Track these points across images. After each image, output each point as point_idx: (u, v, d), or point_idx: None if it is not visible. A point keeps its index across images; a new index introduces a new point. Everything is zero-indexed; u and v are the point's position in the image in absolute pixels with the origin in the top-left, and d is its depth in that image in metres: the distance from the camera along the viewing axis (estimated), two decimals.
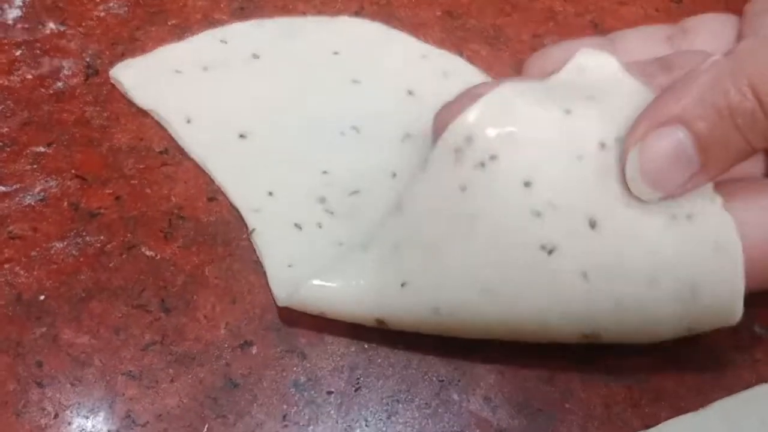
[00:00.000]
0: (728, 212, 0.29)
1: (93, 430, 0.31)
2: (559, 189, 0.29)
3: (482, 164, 0.30)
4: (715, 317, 0.30)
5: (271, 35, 0.40)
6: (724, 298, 0.29)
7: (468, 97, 0.31)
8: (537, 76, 0.33)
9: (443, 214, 0.30)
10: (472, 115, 0.30)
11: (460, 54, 0.41)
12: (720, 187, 0.30)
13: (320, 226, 0.34)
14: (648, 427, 0.31)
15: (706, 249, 0.29)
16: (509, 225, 0.30)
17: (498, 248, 0.30)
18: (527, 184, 0.29)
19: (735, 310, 0.30)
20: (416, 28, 0.41)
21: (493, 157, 0.30)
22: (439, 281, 0.31)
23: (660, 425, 0.31)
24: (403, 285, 0.31)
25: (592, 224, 0.29)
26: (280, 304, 0.33)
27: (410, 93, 0.38)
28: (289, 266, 0.33)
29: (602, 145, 0.30)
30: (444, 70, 0.39)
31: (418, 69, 0.39)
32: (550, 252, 0.29)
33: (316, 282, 0.32)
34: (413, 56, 0.39)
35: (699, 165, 0.29)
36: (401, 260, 0.31)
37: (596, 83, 0.31)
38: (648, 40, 0.35)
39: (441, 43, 0.41)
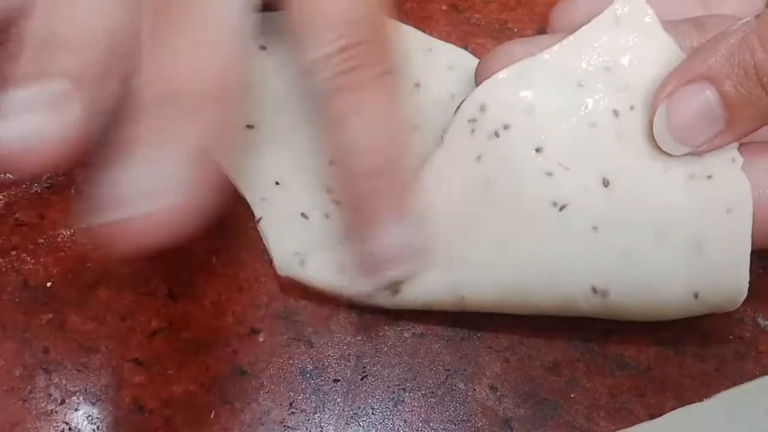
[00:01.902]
0: (746, 174, 0.30)
1: (99, 416, 0.31)
2: (571, 153, 0.31)
3: (496, 134, 0.32)
4: (722, 281, 0.30)
5: (279, 27, 0.40)
6: (731, 260, 0.30)
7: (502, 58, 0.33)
8: (566, 27, 0.34)
9: (460, 182, 0.32)
10: (486, 87, 0.32)
11: (466, 47, 0.41)
12: (742, 147, 0.31)
13: (327, 216, 0.34)
14: (653, 417, 0.31)
15: (719, 209, 0.30)
16: (522, 185, 0.31)
17: (511, 206, 0.31)
18: (538, 150, 0.31)
19: (741, 276, 0.30)
20: (421, 22, 0.42)
21: (506, 126, 0.32)
22: (453, 239, 0.32)
23: (665, 415, 0.31)
24: None
25: (605, 183, 0.31)
26: (281, 273, 0.33)
27: (417, 85, 0.38)
28: (296, 254, 0.33)
29: (616, 113, 0.31)
30: (450, 63, 0.39)
31: (425, 62, 0.39)
32: (562, 208, 0.31)
33: (325, 253, 0.32)
34: (420, 49, 0.40)
35: (725, 123, 0.30)
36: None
37: (626, 37, 0.32)
38: (683, 1, 0.35)
39: (446, 37, 0.41)
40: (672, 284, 0.31)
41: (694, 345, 0.33)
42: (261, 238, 0.35)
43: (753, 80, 0.29)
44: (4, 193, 0.35)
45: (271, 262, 0.34)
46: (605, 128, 0.32)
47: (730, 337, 0.33)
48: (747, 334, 0.33)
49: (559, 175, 0.31)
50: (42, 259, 0.34)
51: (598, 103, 0.32)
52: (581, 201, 0.31)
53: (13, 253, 0.34)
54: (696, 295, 0.31)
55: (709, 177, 0.31)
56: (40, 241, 0.34)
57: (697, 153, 0.31)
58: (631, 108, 0.32)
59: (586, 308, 0.31)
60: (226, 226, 0.35)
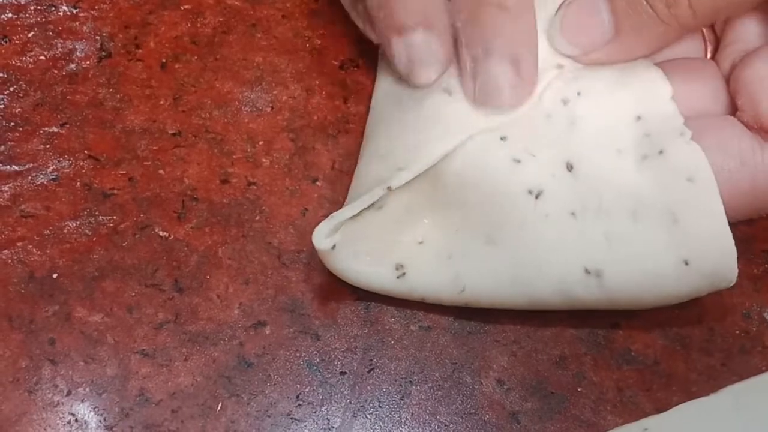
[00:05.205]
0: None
1: (106, 407, 0.31)
2: (533, 140, 0.32)
3: None
4: (707, 245, 0.31)
5: None
6: (708, 224, 0.30)
7: None
8: None
9: (437, 178, 0.32)
10: None
11: None
12: (690, 124, 0.32)
13: (380, 208, 0.33)
14: (660, 411, 0.31)
15: (680, 180, 0.31)
16: (494, 174, 0.32)
17: (490, 198, 0.32)
18: (503, 139, 0.32)
19: (724, 238, 0.30)
20: None
21: None
22: (449, 238, 0.32)
23: (672, 409, 0.31)
24: (420, 243, 0.32)
25: (569, 167, 0.31)
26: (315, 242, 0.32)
27: None
28: (331, 238, 0.32)
29: (564, 102, 0.32)
30: None
31: None
32: (538, 196, 0.31)
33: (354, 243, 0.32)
34: None
35: (613, 31, 0.32)
36: (415, 222, 0.33)
37: None
38: None
39: None
40: (659, 256, 0.31)
41: (700, 340, 0.33)
42: (268, 231, 0.35)
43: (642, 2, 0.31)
44: (10, 185, 0.35)
45: (277, 255, 0.34)
46: (558, 116, 0.32)
47: (737, 331, 0.33)
48: (753, 329, 0.34)
49: (526, 162, 0.32)
50: (48, 251, 0.34)
51: (550, 93, 0.33)
52: (553, 187, 0.31)
53: (18, 244, 0.34)
54: (686, 262, 0.31)
55: (661, 152, 0.31)
56: (46, 232, 0.34)
57: (588, 61, 0.33)
58: (578, 94, 0.32)
59: (586, 294, 0.31)
60: (232, 219, 0.35)
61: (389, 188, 0.32)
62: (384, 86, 0.37)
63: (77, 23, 0.40)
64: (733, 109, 0.33)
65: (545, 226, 0.31)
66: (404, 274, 0.32)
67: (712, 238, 0.31)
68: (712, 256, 0.31)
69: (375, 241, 0.32)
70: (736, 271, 0.31)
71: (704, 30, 0.35)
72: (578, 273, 0.31)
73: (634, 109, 0.32)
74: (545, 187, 0.31)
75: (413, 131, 0.33)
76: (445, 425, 0.31)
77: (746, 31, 0.34)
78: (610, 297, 0.32)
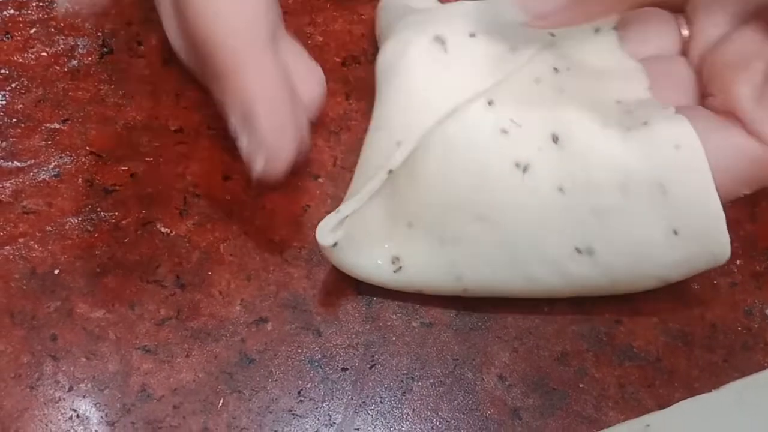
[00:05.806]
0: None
1: (107, 403, 0.31)
2: (520, 108, 0.32)
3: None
4: (695, 212, 0.30)
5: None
6: (696, 190, 0.30)
7: None
8: None
9: (425, 149, 0.32)
10: None
11: None
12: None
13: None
14: (662, 407, 0.31)
15: (667, 148, 0.30)
16: (480, 143, 0.31)
17: (477, 171, 0.31)
18: (491, 103, 0.31)
19: (712, 204, 0.30)
20: None
21: None
22: (436, 220, 0.32)
23: (673, 406, 0.31)
24: (409, 226, 0.32)
25: (555, 139, 0.31)
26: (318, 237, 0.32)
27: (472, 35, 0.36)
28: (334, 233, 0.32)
29: (556, 70, 0.32)
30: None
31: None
32: (525, 169, 0.31)
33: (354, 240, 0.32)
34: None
35: None
36: (402, 205, 0.32)
37: None
38: None
39: None
40: (648, 228, 0.31)
41: (702, 336, 0.33)
42: (269, 227, 0.34)
43: None
44: (12, 181, 0.35)
45: (279, 252, 0.34)
46: (547, 83, 0.32)
47: (738, 328, 0.33)
48: (755, 325, 0.33)
49: (513, 133, 0.31)
50: (49, 247, 0.34)
51: (540, 59, 0.33)
52: (541, 160, 0.31)
53: (20, 240, 0.34)
54: (675, 232, 0.30)
55: (645, 123, 0.31)
56: (48, 228, 0.34)
57: (547, 25, 0.31)
58: (568, 69, 0.33)
59: (581, 273, 0.31)
60: (234, 216, 0.35)
61: (390, 171, 0.32)
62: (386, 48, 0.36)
63: (79, 20, 0.40)
64: (702, 102, 0.33)
65: (534, 200, 0.31)
66: (401, 267, 0.32)
67: (701, 206, 0.30)
68: (700, 224, 0.30)
69: (372, 233, 0.32)
70: (727, 239, 0.30)
71: (679, 25, 0.35)
72: (570, 253, 0.31)
73: (614, 94, 0.32)
74: (532, 160, 0.31)
75: (408, 100, 0.33)
76: (447, 421, 0.31)
77: (711, 22, 0.33)
78: (605, 275, 0.31)
